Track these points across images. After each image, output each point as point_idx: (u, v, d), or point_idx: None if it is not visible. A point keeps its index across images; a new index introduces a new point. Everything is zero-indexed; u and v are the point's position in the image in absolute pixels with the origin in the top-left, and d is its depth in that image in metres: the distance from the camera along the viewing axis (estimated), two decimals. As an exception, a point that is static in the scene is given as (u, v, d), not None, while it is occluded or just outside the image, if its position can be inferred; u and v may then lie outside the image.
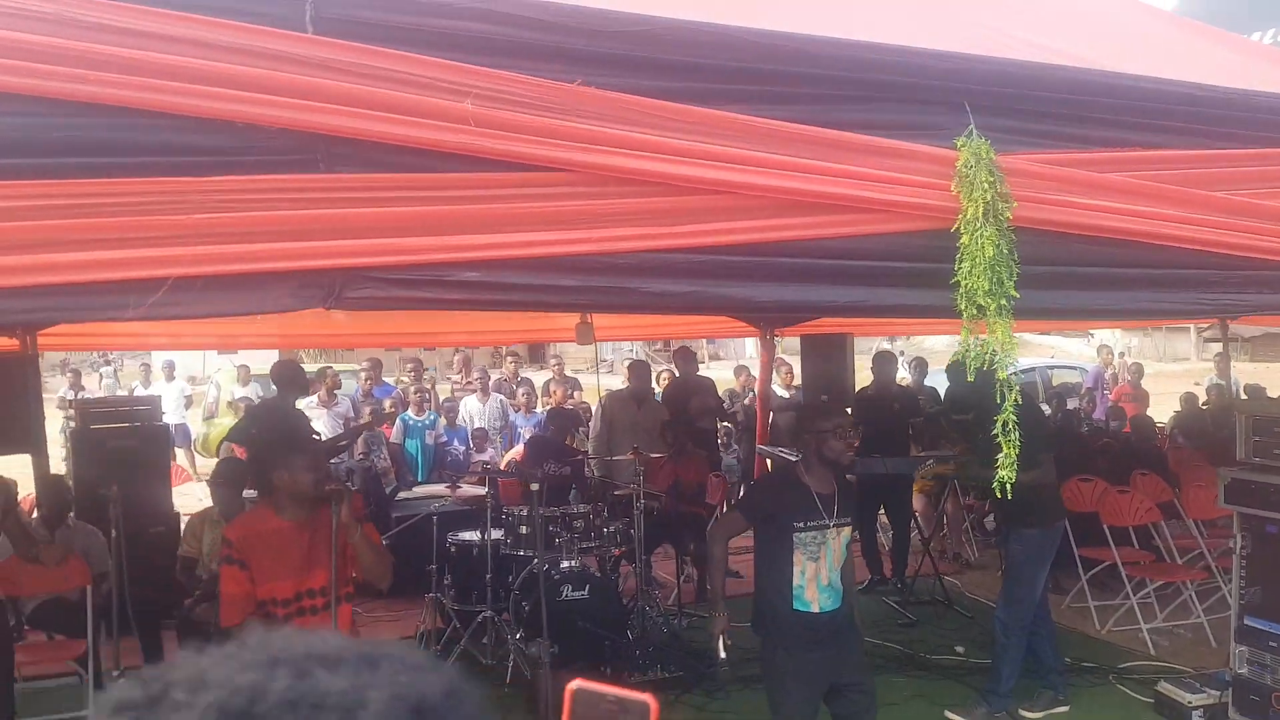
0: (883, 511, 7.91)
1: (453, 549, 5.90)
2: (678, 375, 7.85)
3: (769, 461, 7.70)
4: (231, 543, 3.21)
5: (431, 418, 9.18)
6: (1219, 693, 4.77)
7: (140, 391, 13.41)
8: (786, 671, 3.59)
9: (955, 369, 8.19)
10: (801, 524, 3.49)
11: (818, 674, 3.56)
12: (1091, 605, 6.46)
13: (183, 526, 5.82)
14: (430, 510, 6.10)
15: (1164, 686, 5.03)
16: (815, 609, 3.50)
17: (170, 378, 14.13)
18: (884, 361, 8.17)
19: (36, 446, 6.11)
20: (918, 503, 8.19)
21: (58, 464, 7.88)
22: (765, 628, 3.65)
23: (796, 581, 3.51)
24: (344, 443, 7.28)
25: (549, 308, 2.44)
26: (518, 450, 9.25)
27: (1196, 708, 4.81)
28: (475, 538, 5.82)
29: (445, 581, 5.82)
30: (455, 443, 9.26)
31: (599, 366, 7.88)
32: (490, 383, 9.92)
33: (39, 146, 1.89)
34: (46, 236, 1.87)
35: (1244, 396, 9.50)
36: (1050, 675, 5.09)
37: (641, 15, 2.26)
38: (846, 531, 3.60)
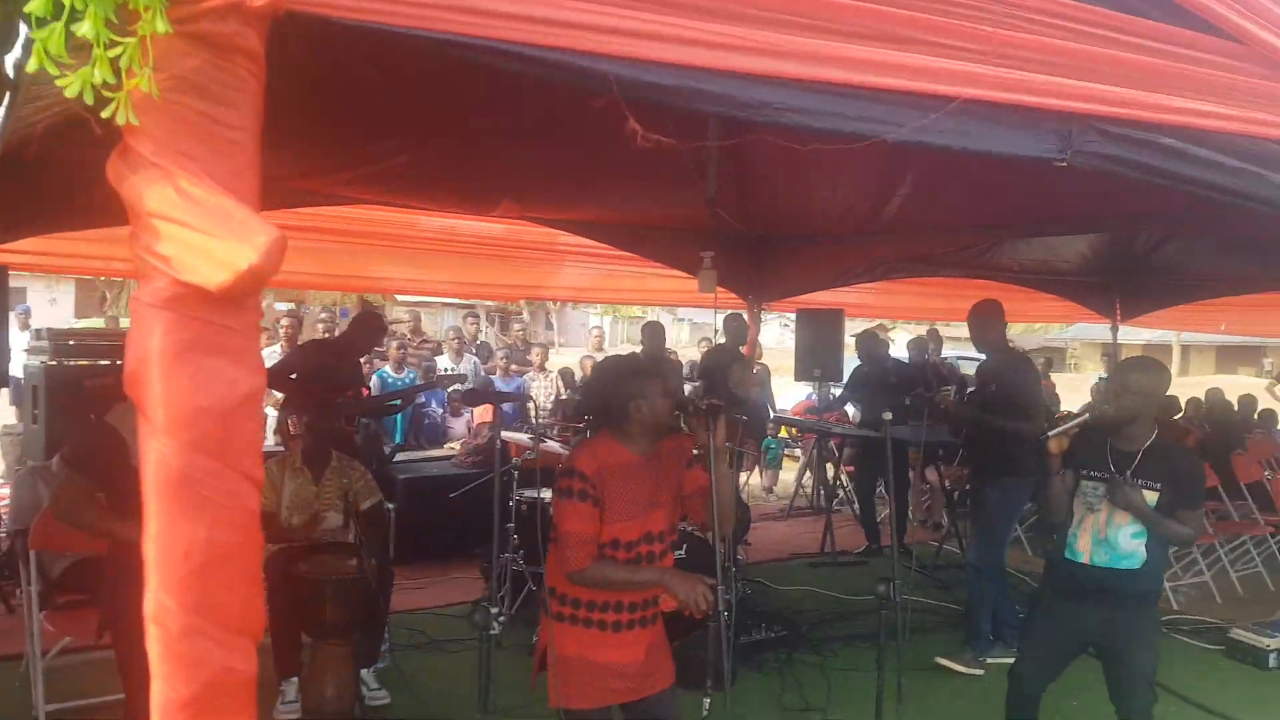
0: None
1: (524, 508, 5.43)
2: (725, 342, 7.55)
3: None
4: (587, 476, 2.70)
5: (410, 376, 8.38)
6: (1294, 636, 5.21)
7: None
8: (1040, 611, 3.62)
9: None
10: (1086, 472, 3.44)
11: (1073, 626, 3.48)
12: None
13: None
14: (511, 467, 5.51)
15: (1237, 633, 5.45)
16: (1085, 560, 3.43)
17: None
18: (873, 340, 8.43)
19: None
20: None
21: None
22: (1048, 568, 3.64)
23: (1071, 529, 3.47)
24: (397, 401, 6.53)
25: (1219, 190, 2.19)
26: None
27: (1273, 650, 5.26)
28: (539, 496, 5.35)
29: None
30: (433, 404, 8.51)
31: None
32: (464, 343, 9.18)
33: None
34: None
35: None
36: (1003, 627, 5.20)
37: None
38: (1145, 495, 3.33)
